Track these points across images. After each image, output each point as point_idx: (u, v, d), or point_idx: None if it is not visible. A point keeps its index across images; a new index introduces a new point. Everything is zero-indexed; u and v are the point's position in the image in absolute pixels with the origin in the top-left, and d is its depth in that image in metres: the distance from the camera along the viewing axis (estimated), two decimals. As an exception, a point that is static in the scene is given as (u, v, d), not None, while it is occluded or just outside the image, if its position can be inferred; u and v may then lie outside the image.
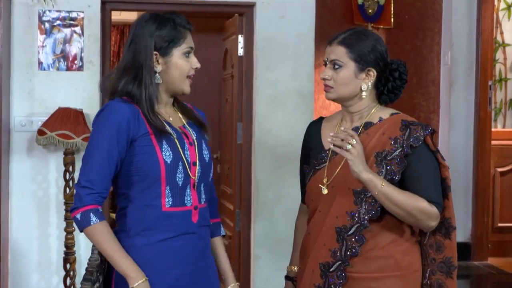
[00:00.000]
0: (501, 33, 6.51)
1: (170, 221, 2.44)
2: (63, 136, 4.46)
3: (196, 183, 2.50)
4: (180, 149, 2.47)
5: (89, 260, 2.42)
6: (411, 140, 2.50)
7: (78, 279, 4.69)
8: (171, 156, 2.43)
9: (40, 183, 4.72)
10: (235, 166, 5.12)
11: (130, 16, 8.00)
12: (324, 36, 5.60)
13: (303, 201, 2.82)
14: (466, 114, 6.07)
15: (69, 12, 4.71)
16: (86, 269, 2.39)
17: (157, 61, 2.48)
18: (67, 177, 4.59)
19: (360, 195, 2.51)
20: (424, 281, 2.60)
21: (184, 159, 2.47)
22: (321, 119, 2.76)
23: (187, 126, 2.57)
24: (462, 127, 6.16)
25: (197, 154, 2.52)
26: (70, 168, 4.59)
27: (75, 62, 4.71)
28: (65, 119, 4.51)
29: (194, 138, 2.55)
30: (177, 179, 2.44)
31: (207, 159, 2.56)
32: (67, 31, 4.71)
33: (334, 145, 2.41)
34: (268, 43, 4.96)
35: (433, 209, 2.48)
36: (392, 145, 2.51)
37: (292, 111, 5.02)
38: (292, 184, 4.65)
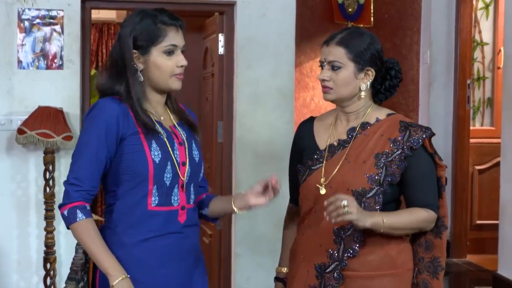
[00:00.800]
0: (479, 32, 6.56)
1: (155, 220, 2.45)
2: (43, 135, 4.44)
3: (185, 184, 2.49)
4: (169, 149, 2.46)
5: (73, 259, 2.42)
6: (411, 142, 2.52)
7: (59, 279, 4.68)
8: (160, 156, 2.43)
9: (19, 182, 4.70)
10: (215, 165, 5.13)
11: (109, 14, 7.99)
12: (304, 35, 5.63)
13: (292, 201, 2.79)
14: (445, 112, 6.12)
15: (48, 10, 4.68)
16: (71, 268, 2.38)
17: (138, 59, 2.47)
18: (47, 176, 4.57)
19: (360, 196, 2.50)
20: (412, 280, 2.62)
21: (174, 159, 2.46)
22: (312, 119, 2.74)
23: (177, 126, 2.56)
24: (441, 125, 6.21)
25: (186, 154, 2.51)
26: (50, 167, 4.57)
27: (55, 60, 4.69)
28: (45, 118, 4.49)
29: (184, 138, 2.54)
30: (165, 179, 2.45)
31: (197, 159, 2.55)
32: (47, 29, 4.68)
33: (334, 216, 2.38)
34: (248, 41, 4.96)
35: (431, 214, 2.53)
36: (391, 146, 2.53)
37: (273, 109, 5.03)
38: (272, 183, 4.67)
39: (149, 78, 2.49)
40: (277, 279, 2.82)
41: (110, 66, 2.50)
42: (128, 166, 2.43)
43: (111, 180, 2.47)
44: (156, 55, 2.46)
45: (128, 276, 2.34)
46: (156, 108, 2.54)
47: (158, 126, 2.48)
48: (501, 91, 6.55)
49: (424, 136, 2.53)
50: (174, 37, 2.47)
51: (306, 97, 5.76)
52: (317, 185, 2.55)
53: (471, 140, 6.28)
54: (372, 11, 5.96)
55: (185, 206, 2.50)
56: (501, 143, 4.88)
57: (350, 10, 5.82)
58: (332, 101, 2.61)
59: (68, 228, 2.40)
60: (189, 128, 2.59)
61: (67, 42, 4.71)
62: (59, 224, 4.68)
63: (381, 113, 2.62)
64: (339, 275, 2.52)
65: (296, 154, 2.72)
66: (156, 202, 2.44)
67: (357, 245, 2.52)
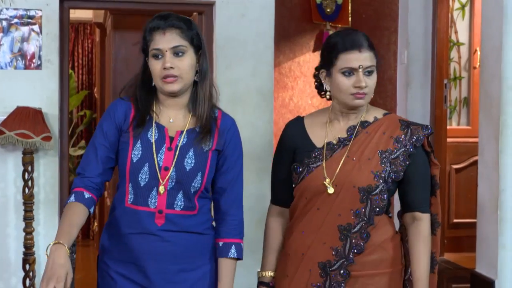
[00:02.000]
0: (456, 32, 6.62)
1: (130, 217, 2.52)
2: (22, 135, 4.42)
3: (167, 189, 2.50)
4: (154, 152, 2.50)
5: None
6: (414, 140, 2.57)
7: (38, 280, 4.65)
8: (139, 156, 2.50)
9: (-3, 183, 4.68)
10: (195, 165, 5.12)
11: (85, 14, 7.94)
12: (283, 35, 5.64)
13: (276, 202, 2.78)
14: (422, 112, 6.15)
15: (27, 10, 4.66)
16: None
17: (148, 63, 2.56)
18: (26, 177, 4.54)
19: (366, 193, 2.55)
20: (406, 276, 2.66)
21: (155, 162, 2.49)
22: (300, 118, 2.74)
23: (185, 132, 2.56)
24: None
25: (174, 160, 2.51)
26: (29, 168, 4.55)
27: (33, 60, 4.67)
28: (24, 118, 4.46)
29: (180, 144, 2.53)
30: (140, 179, 2.50)
31: (188, 167, 2.52)
32: (25, 29, 4.66)
33: None
34: (228, 42, 4.97)
35: (426, 219, 2.61)
36: (394, 144, 2.57)
37: (253, 109, 5.04)
38: (252, 182, 4.69)
39: (154, 82, 2.56)
40: (261, 283, 2.77)
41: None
42: (118, 161, 2.56)
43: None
44: (150, 59, 2.54)
45: (64, 244, 2.33)
46: (168, 110, 2.58)
47: (153, 128, 2.53)
48: (477, 91, 6.63)
49: (425, 134, 2.59)
50: (158, 41, 2.50)
51: (285, 97, 5.77)
52: (324, 182, 2.55)
53: (448, 140, 6.33)
54: (350, 11, 5.99)
55: (163, 210, 2.51)
56: (479, 142, 4.93)
57: (328, 10, 5.85)
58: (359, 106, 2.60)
59: None
60: (200, 135, 2.55)
61: (45, 42, 4.69)
62: (38, 225, 4.67)
63: (378, 112, 2.67)
64: (345, 272, 2.54)
65: (285, 153, 2.70)
66: (132, 200, 2.52)
67: (364, 242, 2.55)
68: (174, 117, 2.57)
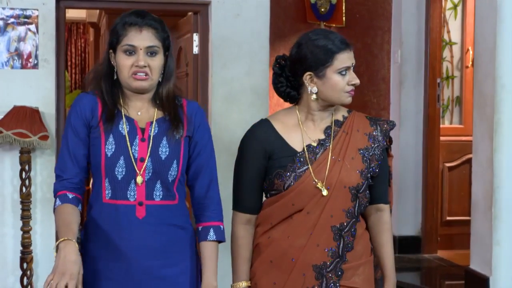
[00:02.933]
0: (448, 32, 6.67)
1: (110, 213, 2.49)
2: (20, 134, 4.42)
3: (145, 180, 2.49)
4: (128, 144, 2.50)
5: None
6: (385, 135, 2.65)
7: (35, 278, 4.67)
8: (113, 150, 2.49)
9: (-6, 183, 4.69)
10: (191, 164, 5.14)
11: (78, 14, 7.95)
12: (278, 34, 5.67)
13: (242, 210, 2.67)
14: (415, 111, 6.21)
15: (23, 10, 4.67)
16: None
17: (114, 58, 2.54)
18: (23, 176, 4.55)
19: (355, 192, 2.59)
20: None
21: (130, 154, 2.49)
22: (268, 121, 2.68)
23: (154, 122, 2.56)
24: (411, 123, 6.31)
25: (148, 151, 2.50)
26: (27, 167, 4.55)
27: (30, 60, 4.68)
28: (21, 118, 4.47)
29: (152, 134, 2.53)
30: (117, 173, 2.49)
31: (163, 156, 2.52)
32: (22, 29, 4.67)
33: None
34: (223, 41, 4.99)
35: (388, 211, 2.72)
36: (369, 141, 2.63)
37: (248, 108, 5.06)
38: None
39: (119, 76, 2.54)
40: None
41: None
42: (90, 158, 2.54)
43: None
44: (119, 54, 2.51)
45: (75, 241, 2.33)
46: (135, 103, 2.57)
47: (124, 120, 2.52)
48: (470, 90, 6.69)
49: (391, 128, 2.67)
50: (132, 38, 2.48)
51: (280, 96, 5.80)
52: (317, 186, 2.55)
53: (441, 138, 6.39)
54: (344, 11, 6.02)
55: (143, 202, 2.49)
56: (473, 141, 4.98)
57: (322, 10, 5.88)
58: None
59: None
60: (170, 123, 2.56)
61: (42, 42, 4.70)
62: (35, 224, 4.68)
63: (342, 110, 2.70)
64: (340, 271, 2.57)
65: (256, 159, 2.63)
66: (110, 195, 2.50)
67: (353, 239, 2.59)
68: (140, 109, 2.57)
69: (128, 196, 2.49)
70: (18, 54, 4.66)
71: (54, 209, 2.48)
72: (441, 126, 6.47)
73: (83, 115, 2.53)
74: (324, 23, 5.92)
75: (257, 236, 2.66)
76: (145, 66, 2.48)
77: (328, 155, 2.59)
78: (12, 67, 4.65)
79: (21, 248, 4.60)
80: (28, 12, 4.68)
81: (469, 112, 6.70)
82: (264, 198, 2.71)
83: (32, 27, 4.68)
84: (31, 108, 4.54)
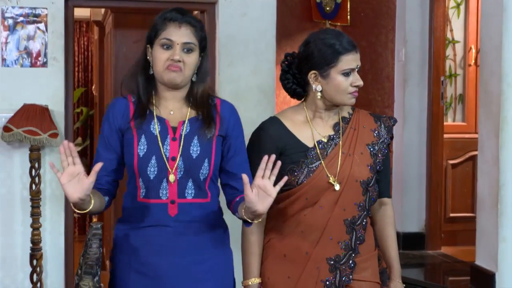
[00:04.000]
0: (451, 30, 6.71)
1: (144, 211, 2.54)
2: (30, 132, 4.45)
3: (177, 178, 2.53)
4: (160, 144, 2.53)
5: (88, 253, 2.47)
6: (389, 130, 2.73)
7: (45, 275, 4.70)
8: (145, 150, 2.53)
9: (3, 180, 4.69)
10: (198, 162, 5.17)
11: (81, 12, 7.94)
12: (284, 33, 5.69)
13: None
14: (419, 108, 6.24)
15: (32, 8, 4.70)
16: (86, 262, 2.44)
17: (150, 53, 2.58)
18: (33, 173, 4.58)
19: (366, 186, 2.65)
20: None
21: (162, 153, 2.53)
22: (277, 119, 2.72)
23: (186, 121, 2.59)
24: (415, 121, 6.35)
25: (180, 150, 2.54)
26: (36, 165, 4.58)
27: (39, 58, 4.70)
28: (31, 116, 4.50)
29: (184, 133, 2.56)
30: (149, 172, 2.53)
31: (194, 155, 2.55)
32: (31, 27, 4.70)
33: None
34: (230, 40, 5.02)
35: (391, 205, 2.82)
36: (375, 137, 2.70)
37: (254, 106, 5.08)
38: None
39: (154, 71, 2.58)
40: None
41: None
42: (124, 159, 2.59)
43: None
44: (156, 48, 2.55)
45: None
46: (167, 103, 2.61)
47: (155, 121, 2.56)
48: (472, 88, 6.74)
49: (393, 124, 2.76)
50: (171, 32, 2.52)
51: (286, 94, 5.79)
52: (330, 181, 2.60)
53: (444, 136, 6.42)
54: (348, 10, 6.05)
55: (175, 200, 2.53)
56: (478, 138, 5.02)
57: (327, 8, 5.91)
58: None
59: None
60: (202, 123, 2.58)
61: (51, 40, 4.72)
62: (45, 221, 4.71)
63: (346, 108, 2.76)
64: (353, 263, 2.63)
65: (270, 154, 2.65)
66: (144, 194, 2.54)
67: (364, 232, 2.66)
68: (173, 109, 2.60)
69: (161, 195, 2.54)
70: (28, 52, 4.69)
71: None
72: (444, 123, 6.50)
73: (113, 121, 2.59)
74: (329, 22, 5.95)
75: (269, 232, 2.71)
76: (179, 61, 2.51)
77: (338, 150, 2.64)
78: (22, 66, 4.68)
79: (30, 245, 4.63)
80: (37, 11, 4.70)
81: (472, 110, 6.75)
82: None
83: (41, 25, 4.71)
84: (41, 106, 4.56)
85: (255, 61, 5.06)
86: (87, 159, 8.61)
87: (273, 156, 2.36)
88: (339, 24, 6.02)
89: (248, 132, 5.01)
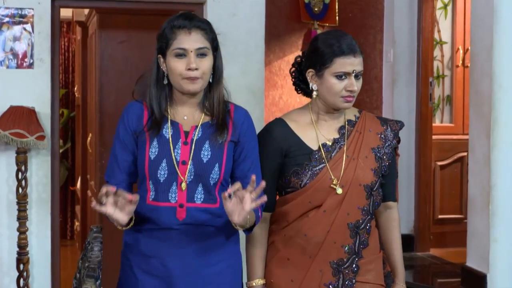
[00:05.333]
0: (438, 31, 6.71)
1: (153, 214, 2.55)
2: (17, 135, 4.39)
3: (187, 182, 2.53)
4: (171, 147, 2.53)
5: (90, 257, 2.45)
6: (396, 134, 2.72)
7: (31, 280, 4.64)
8: (156, 153, 2.54)
9: (-12, 183, 4.64)
10: (187, 163, 5.13)
11: (64, 13, 7.84)
12: (273, 33, 5.67)
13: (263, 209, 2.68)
14: (408, 109, 6.24)
15: (18, 9, 4.63)
16: (88, 266, 2.44)
17: (163, 63, 2.57)
18: (20, 176, 4.52)
19: (370, 190, 2.64)
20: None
21: (173, 157, 2.53)
22: (283, 121, 2.71)
23: (199, 126, 2.59)
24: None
25: (190, 154, 2.54)
26: (23, 168, 4.52)
27: (25, 59, 4.64)
28: (17, 118, 4.44)
29: (196, 138, 2.57)
30: (159, 176, 2.54)
31: (205, 160, 2.55)
32: (17, 28, 4.63)
33: None
34: (219, 40, 4.97)
35: (397, 209, 2.82)
36: (381, 140, 2.68)
37: (243, 107, 5.05)
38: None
39: (170, 80, 2.57)
40: None
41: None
42: (137, 162, 2.60)
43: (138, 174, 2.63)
44: (169, 58, 2.54)
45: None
46: (182, 108, 2.60)
47: (168, 125, 2.56)
48: (460, 89, 6.74)
49: (400, 128, 2.75)
50: (183, 41, 2.51)
51: (275, 95, 5.81)
52: (331, 185, 2.60)
53: (432, 137, 6.42)
54: (337, 10, 6.04)
55: (183, 204, 2.53)
56: (469, 139, 5.02)
57: (316, 9, 5.89)
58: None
59: None
60: (215, 128, 2.58)
61: (37, 41, 4.66)
62: (31, 225, 4.65)
63: (353, 110, 2.75)
64: (356, 267, 2.62)
65: (273, 157, 2.66)
66: (153, 197, 2.55)
67: (368, 236, 2.65)
68: (187, 114, 2.60)
69: (170, 198, 2.54)
70: (13, 53, 4.62)
71: None
72: (432, 125, 6.50)
73: (128, 124, 2.61)
74: (318, 23, 5.93)
75: (273, 234, 2.71)
76: (196, 69, 2.50)
77: (343, 154, 2.63)
78: (8, 67, 4.61)
79: (17, 249, 4.56)
80: (24, 12, 4.64)
81: (460, 111, 6.76)
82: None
83: (28, 26, 4.65)
84: (28, 108, 4.50)
85: (244, 62, 5.04)
86: (68, 162, 8.54)
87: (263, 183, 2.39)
88: (327, 24, 6.01)
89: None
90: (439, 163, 6.58)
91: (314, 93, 2.65)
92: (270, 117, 5.64)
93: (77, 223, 7.97)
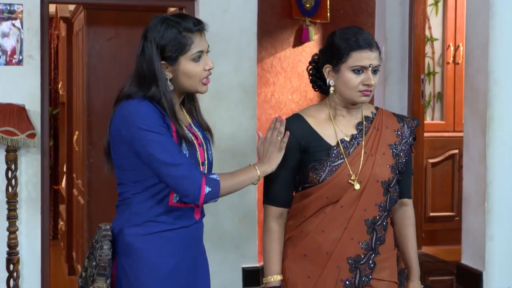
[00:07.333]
0: (429, 28, 6.70)
1: (173, 214, 2.53)
2: (7, 132, 4.33)
3: None
4: (197, 149, 2.53)
5: (100, 255, 2.40)
6: (412, 131, 2.74)
7: (22, 280, 4.57)
8: (187, 155, 2.51)
9: (-22, 182, 4.56)
10: (179, 161, 5.08)
11: (49, 8, 7.77)
12: (265, 30, 5.63)
13: (275, 203, 2.71)
14: (400, 106, 6.20)
15: (7, 4, 4.56)
16: (98, 264, 2.40)
17: (167, 68, 2.50)
18: (9, 175, 4.45)
19: (387, 186, 2.66)
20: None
21: (198, 159, 2.54)
22: (301, 116, 2.70)
23: (192, 125, 2.62)
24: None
25: (205, 155, 2.58)
26: (13, 166, 4.45)
27: (14, 56, 4.57)
28: (8, 115, 4.37)
29: (202, 138, 2.60)
30: None
31: (211, 158, 2.62)
32: (6, 24, 4.56)
33: None
34: (211, 37, 4.83)
35: (412, 206, 2.84)
36: (398, 137, 2.70)
37: (236, 105, 5.03)
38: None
39: (178, 85, 2.53)
40: None
41: (138, 76, 2.51)
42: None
43: (140, 173, 2.51)
44: (185, 63, 2.50)
45: None
46: (178, 110, 2.60)
47: (186, 129, 2.55)
48: (451, 86, 6.74)
49: (416, 125, 2.76)
50: (199, 43, 2.53)
51: (267, 92, 5.76)
52: (349, 181, 2.60)
53: (424, 134, 6.41)
54: (328, 7, 6.01)
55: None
56: (464, 136, 5.00)
57: (307, 6, 5.86)
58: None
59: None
60: (201, 127, 2.65)
61: (26, 37, 4.60)
62: (21, 224, 4.58)
63: (370, 107, 2.76)
64: (373, 263, 2.63)
65: (291, 153, 2.65)
66: (178, 198, 2.51)
67: (384, 232, 2.66)
68: (178, 113, 2.58)
69: None
70: (2, 50, 4.55)
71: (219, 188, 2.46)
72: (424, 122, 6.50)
73: (160, 120, 2.46)
74: (309, 19, 5.89)
75: (289, 230, 2.72)
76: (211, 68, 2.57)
77: (361, 150, 2.65)
78: (-4, 64, 4.54)
79: (7, 249, 4.49)
80: (13, 7, 4.57)
81: (451, 108, 6.75)
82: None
83: (17, 22, 4.58)
84: (18, 105, 4.44)
85: (236, 59, 5.01)
86: (51, 160, 8.44)
87: (282, 118, 2.57)
88: (318, 21, 5.97)
89: (228, 130, 4.97)
90: (431, 160, 6.58)
91: (331, 88, 2.66)
92: (262, 115, 5.60)
93: (61, 223, 7.86)
